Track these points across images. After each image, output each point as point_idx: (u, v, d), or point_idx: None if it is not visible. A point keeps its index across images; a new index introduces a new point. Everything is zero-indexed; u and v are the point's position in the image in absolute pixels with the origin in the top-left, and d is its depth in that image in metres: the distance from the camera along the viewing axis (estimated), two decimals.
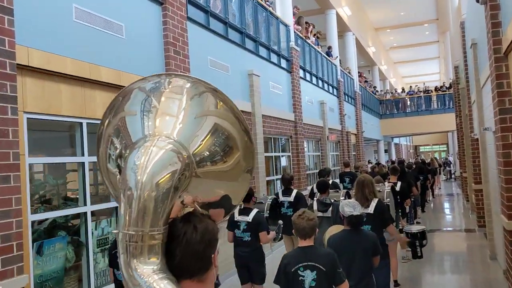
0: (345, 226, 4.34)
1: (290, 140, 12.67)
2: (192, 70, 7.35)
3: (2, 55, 4.18)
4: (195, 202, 1.92)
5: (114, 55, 5.81)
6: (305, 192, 11.22)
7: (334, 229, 4.71)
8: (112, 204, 5.68)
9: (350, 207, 4.25)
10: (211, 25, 8.39)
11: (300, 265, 3.49)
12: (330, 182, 10.44)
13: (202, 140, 1.72)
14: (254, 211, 5.65)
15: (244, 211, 5.68)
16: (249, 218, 5.59)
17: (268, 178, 10.81)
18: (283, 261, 3.63)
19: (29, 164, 4.67)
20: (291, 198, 7.42)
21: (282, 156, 12.38)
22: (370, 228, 5.06)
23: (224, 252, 6.68)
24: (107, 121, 1.91)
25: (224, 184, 1.88)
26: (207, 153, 1.73)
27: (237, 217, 5.69)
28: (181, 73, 1.79)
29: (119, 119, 1.86)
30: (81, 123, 5.36)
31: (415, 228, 7.11)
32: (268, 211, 6.19)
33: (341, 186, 10.81)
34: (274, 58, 11.64)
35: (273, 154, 11.62)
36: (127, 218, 1.55)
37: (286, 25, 12.77)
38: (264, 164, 10.12)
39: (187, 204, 1.94)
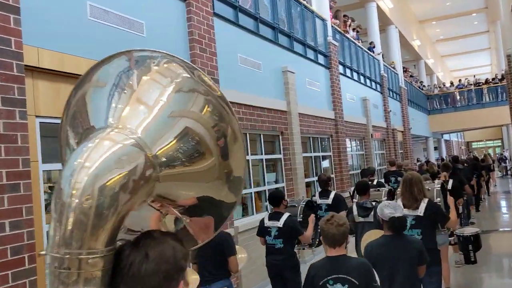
0: (385, 231, 3.82)
1: (330, 139, 12.12)
2: (220, 68, 6.99)
3: (9, 56, 3.94)
4: (170, 208, 1.53)
5: None
6: (348, 194, 10.66)
7: (372, 235, 4.19)
8: None
9: (390, 208, 3.72)
10: (241, 21, 8.02)
11: (329, 277, 3.01)
12: (375, 182, 9.87)
13: (169, 142, 1.35)
14: (285, 215, 5.19)
15: (274, 216, 5.23)
16: (280, 223, 5.13)
17: (307, 180, 10.31)
18: (310, 272, 3.16)
19: (44, 171, 4.42)
20: (329, 201, 6.89)
21: (324, 158, 11.83)
22: (419, 232, 4.49)
23: (258, 259, 6.25)
24: (65, 113, 1.57)
25: (203, 186, 1.48)
26: (173, 155, 1.35)
27: (267, 223, 5.25)
28: (190, 64, 1.46)
29: (81, 96, 1.51)
30: None
31: (467, 231, 6.45)
32: (301, 215, 5.70)
33: (386, 186, 10.15)
34: (310, 53, 11.14)
35: (313, 154, 11.10)
36: (57, 236, 1.15)
37: (322, 19, 12.24)
38: (302, 165, 9.63)
39: (163, 211, 1.56)
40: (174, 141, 1.35)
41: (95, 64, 1.52)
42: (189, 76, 1.46)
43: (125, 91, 1.44)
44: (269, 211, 5.43)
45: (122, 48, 1.53)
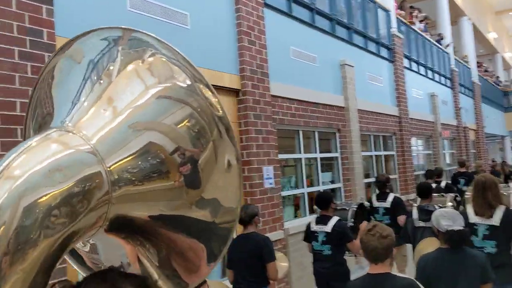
0: (441, 243, 3.29)
1: (394, 137, 11.41)
2: (270, 61, 6.64)
3: (40, 48, 3.83)
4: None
5: (176, 47, 5.27)
6: (413, 196, 9.95)
7: (429, 244, 3.66)
8: None
9: (447, 219, 3.20)
10: (294, 11, 7.61)
11: None
12: (443, 184, 9.13)
13: (126, 157, 1.05)
14: (334, 219, 4.74)
15: (322, 220, 4.79)
16: (328, 228, 4.69)
17: (367, 180, 9.71)
18: None
19: None
20: (387, 204, 6.30)
21: (386, 157, 11.14)
22: (494, 245, 3.87)
23: (309, 264, 5.84)
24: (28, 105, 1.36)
25: (172, 204, 1.16)
26: (130, 174, 1.05)
27: (313, 227, 4.83)
28: (198, 73, 1.19)
29: (52, 69, 1.28)
30: None
31: None
32: (353, 219, 5.22)
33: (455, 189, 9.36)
34: (371, 46, 10.50)
35: (374, 153, 10.47)
36: None
37: (386, 10, 11.53)
38: (361, 165, 9.06)
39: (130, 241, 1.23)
40: (132, 156, 1.05)
41: (80, 34, 1.28)
42: (184, 84, 1.17)
43: (101, 81, 1.16)
44: (317, 214, 5.00)
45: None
